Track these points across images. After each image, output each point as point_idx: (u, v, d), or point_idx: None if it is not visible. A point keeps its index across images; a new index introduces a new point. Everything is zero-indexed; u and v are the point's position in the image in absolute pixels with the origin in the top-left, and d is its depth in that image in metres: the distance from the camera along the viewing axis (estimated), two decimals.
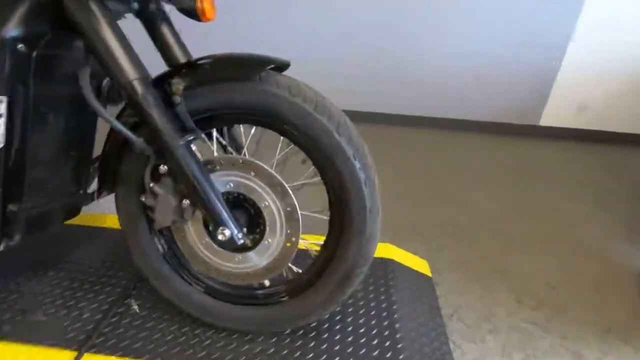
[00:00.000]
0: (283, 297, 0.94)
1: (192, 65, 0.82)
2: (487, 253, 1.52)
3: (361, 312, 1.07)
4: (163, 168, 0.79)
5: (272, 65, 0.79)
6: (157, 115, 0.73)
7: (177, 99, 0.76)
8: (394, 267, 1.26)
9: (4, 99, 0.75)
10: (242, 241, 0.81)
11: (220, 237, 0.78)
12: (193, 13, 0.90)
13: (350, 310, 1.07)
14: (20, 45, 0.73)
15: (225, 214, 0.79)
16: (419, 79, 2.71)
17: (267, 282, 0.95)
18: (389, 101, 2.80)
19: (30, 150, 0.82)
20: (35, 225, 0.91)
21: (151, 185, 0.78)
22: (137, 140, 0.76)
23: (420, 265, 1.35)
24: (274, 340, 0.96)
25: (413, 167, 2.21)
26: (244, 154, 0.93)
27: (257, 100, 0.77)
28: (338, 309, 1.03)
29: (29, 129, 0.80)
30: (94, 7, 0.72)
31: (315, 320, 0.96)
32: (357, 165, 0.78)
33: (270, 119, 0.79)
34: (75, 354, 0.90)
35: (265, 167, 0.80)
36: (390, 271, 1.23)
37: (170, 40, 0.91)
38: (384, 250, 1.32)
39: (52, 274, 1.12)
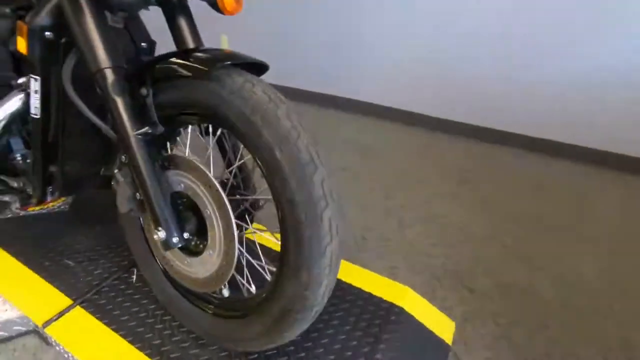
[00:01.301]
0: (222, 312, 0.88)
1: (166, 58, 0.81)
2: (558, 340, 1.12)
3: (332, 357, 0.92)
4: (124, 157, 0.81)
5: (228, 63, 0.71)
6: (120, 105, 0.75)
7: (144, 91, 0.76)
8: (401, 318, 1.04)
9: (38, 78, 0.89)
10: (176, 245, 0.78)
11: (155, 236, 0.77)
12: (215, 5, 0.90)
13: (320, 351, 0.93)
14: (48, 34, 0.84)
15: (163, 214, 0.76)
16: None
17: (226, 293, 0.90)
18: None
19: (63, 122, 0.95)
20: (70, 186, 1.06)
21: (115, 171, 0.82)
22: (104, 127, 0.80)
23: (441, 325, 1.08)
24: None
25: (516, 197, 1.80)
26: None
27: (202, 99, 0.71)
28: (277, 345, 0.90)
29: (61, 104, 0.93)
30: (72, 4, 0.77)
31: (249, 350, 0.87)
32: (295, 190, 0.65)
33: (217, 121, 0.72)
34: (70, 302, 1.03)
35: (206, 172, 0.75)
36: (393, 321, 1.02)
37: (185, 30, 0.92)
38: (399, 293, 1.11)
39: (89, 230, 1.31)
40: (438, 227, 1.54)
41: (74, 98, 0.81)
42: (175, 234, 0.77)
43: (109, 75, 0.76)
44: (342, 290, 1.11)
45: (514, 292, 1.26)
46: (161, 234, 0.76)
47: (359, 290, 1.11)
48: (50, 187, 1.04)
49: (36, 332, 1.01)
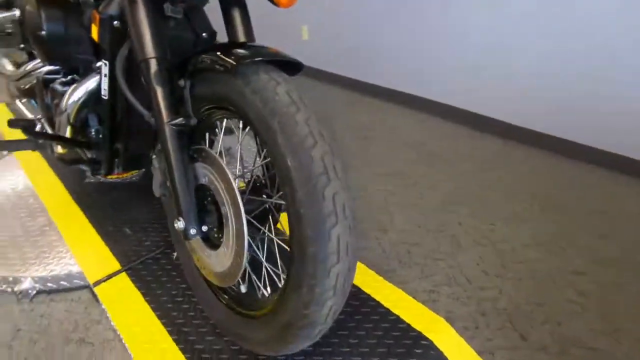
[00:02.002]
0: (235, 307, 0.88)
1: (206, 51, 0.81)
2: None
3: None
4: (159, 145, 0.84)
5: (257, 59, 0.68)
6: (159, 94, 0.78)
7: (182, 82, 0.78)
8: (428, 353, 0.93)
9: (107, 63, 0.97)
10: (193, 236, 0.78)
11: (175, 225, 0.78)
12: None
13: None
14: (116, 22, 0.91)
15: (185, 204, 0.78)
16: None
17: (243, 289, 0.90)
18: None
19: (127, 104, 1.04)
20: (132, 162, 1.17)
21: (153, 157, 0.86)
22: (146, 114, 0.83)
23: None
24: None
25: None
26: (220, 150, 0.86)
27: (228, 95, 0.70)
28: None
29: (126, 87, 1.01)
30: None
31: (254, 351, 0.86)
32: (303, 202, 0.60)
33: (241, 118, 0.70)
34: (119, 268, 1.14)
35: (224, 168, 0.73)
36: (418, 355, 0.92)
37: (238, 25, 0.92)
38: (431, 323, 1.00)
39: (152, 202, 1.42)
40: (498, 254, 1.35)
41: (122, 83, 0.86)
42: (194, 226, 0.78)
43: (152, 65, 0.79)
44: (368, 306, 1.04)
45: (578, 353, 1.04)
46: (180, 224, 0.78)
47: (387, 310, 1.03)
48: (116, 161, 1.15)
49: (89, 289, 1.14)
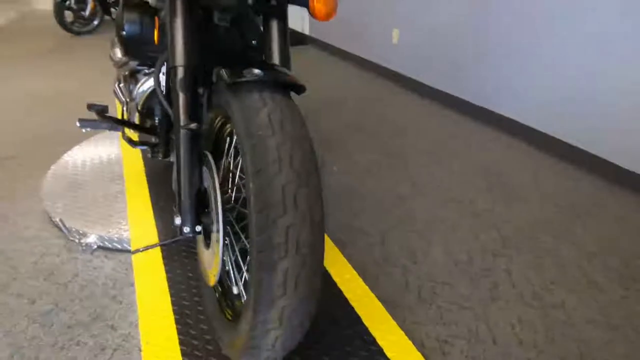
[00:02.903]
0: (222, 303, 0.92)
1: (227, 64, 0.83)
2: None
3: None
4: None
5: (252, 79, 0.68)
6: (180, 99, 0.84)
7: (200, 90, 0.83)
8: None
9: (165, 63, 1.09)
10: (186, 234, 0.83)
11: (174, 220, 0.84)
12: (310, 10, 0.89)
13: None
14: None
15: (184, 203, 0.83)
16: None
17: (235, 290, 0.93)
18: None
19: None
20: None
21: (172, 154, 0.94)
22: (172, 114, 0.91)
23: None
24: None
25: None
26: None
27: (225, 109, 0.72)
28: None
29: (160, 89, 1.11)
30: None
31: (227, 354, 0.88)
32: (255, 228, 0.59)
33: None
34: (155, 242, 1.29)
35: (215, 176, 0.75)
36: None
37: (274, 44, 0.94)
38: None
39: None
40: (545, 322, 1.13)
41: (156, 85, 0.95)
42: (188, 225, 0.84)
43: (179, 72, 0.85)
44: (367, 350, 0.97)
45: None
46: (177, 220, 0.84)
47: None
48: (169, 147, 1.29)
49: (131, 255, 1.32)
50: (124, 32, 1.16)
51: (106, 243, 1.36)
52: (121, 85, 1.64)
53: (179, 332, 1.01)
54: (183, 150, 0.84)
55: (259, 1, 0.94)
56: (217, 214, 0.78)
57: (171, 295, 1.11)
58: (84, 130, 1.27)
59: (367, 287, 1.22)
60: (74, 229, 1.38)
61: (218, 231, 0.78)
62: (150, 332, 1.03)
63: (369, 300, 1.16)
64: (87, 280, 1.26)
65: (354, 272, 1.28)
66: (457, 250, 1.42)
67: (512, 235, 1.49)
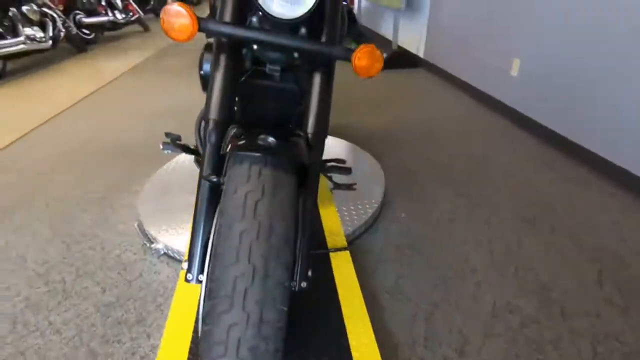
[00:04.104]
0: None
1: (246, 125, 0.83)
2: None
3: None
4: None
5: (249, 153, 0.67)
6: (206, 150, 0.88)
7: (223, 147, 0.85)
8: None
9: None
10: (189, 281, 0.86)
11: (182, 265, 0.88)
12: (352, 66, 0.87)
13: None
14: None
15: (192, 251, 0.86)
16: None
17: None
18: None
19: None
20: None
21: None
22: (195, 160, 0.95)
23: None
24: None
25: None
26: None
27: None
28: None
29: (198, 140, 1.19)
30: (217, 50, 0.90)
31: None
32: (205, 314, 0.58)
33: None
34: None
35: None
36: None
37: (310, 112, 0.92)
38: None
39: None
40: None
41: (196, 130, 1.02)
42: (192, 272, 0.87)
43: (210, 125, 0.89)
44: None
45: None
46: (184, 265, 0.88)
47: None
48: None
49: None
50: (202, 71, 1.29)
51: (169, 252, 1.53)
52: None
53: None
54: (200, 200, 0.88)
55: (305, 56, 0.92)
56: None
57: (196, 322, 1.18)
58: (165, 152, 1.45)
59: None
60: (148, 233, 1.59)
61: None
62: (165, 352, 1.11)
63: None
64: (146, 282, 1.44)
65: None
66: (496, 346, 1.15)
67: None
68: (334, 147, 2.35)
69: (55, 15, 4.70)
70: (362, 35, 2.30)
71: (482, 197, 1.94)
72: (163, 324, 1.26)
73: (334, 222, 1.63)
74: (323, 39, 0.96)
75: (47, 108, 3.35)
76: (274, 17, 0.86)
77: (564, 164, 2.23)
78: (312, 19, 0.90)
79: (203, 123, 0.92)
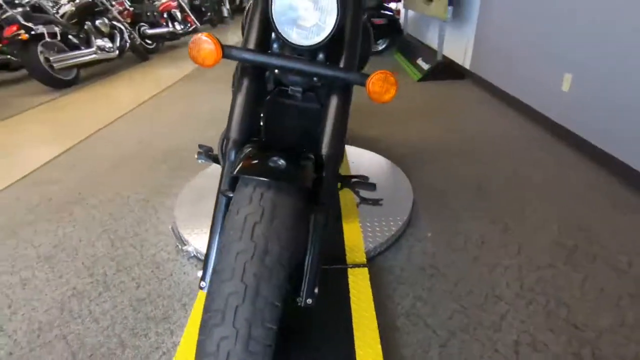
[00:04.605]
0: None
1: (257, 145, 0.88)
2: None
3: None
4: None
5: (254, 177, 0.71)
6: (225, 167, 0.94)
7: (234, 168, 0.91)
8: None
9: None
10: (201, 288, 0.92)
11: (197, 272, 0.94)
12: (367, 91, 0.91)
13: None
14: None
15: (206, 262, 0.92)
16: None
17: None
18: None
19: None
20: None
21: None
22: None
23: None
24: None
25: None
26: None
27: None
28: None
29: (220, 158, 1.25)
30: (240, 74, 0.96)
31: None
32: (200, 328, 0.62)
33: None
34: None
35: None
36: None
37: (325, 136, 0.96)
38: None
39: None
40: None
41: (219, 145, 1.08)
42: (204, 282, 0.93)
43: (230, 144, 0.96)
44: None
45: None
46: (199, 273, 0.94)
47: None
48: None
49: None
50: (233, 87, 1.37)
51: (198, 255, 1.63)
52: None
53: None
54: (216, 213, 0.94)
55: (323, 79, 0.96)
56: None
57: None
58: (199, 162, 1.55)
59: None
60: (181, 235, 1.71)
61: None
62: (183, 351, 1.19)
63: None
64: (176, 282, 1.54)
65: None
66: None
67: None
68: (363, 159, 2.36)
69: (123, 27, 5.17)
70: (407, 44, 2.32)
71: (518, 220, 1.84)
72: (186, 322, 1.35)
73: (356, 237, 1.63)
74: (342, 64, 0.98)
75: (111, 111, 3.69)
76: (293, 44, 0.90)
77: (615, 188, 2.05)
78: (332, 44, 0.94)
79: (225, 140, 0.99)
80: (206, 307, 0.64)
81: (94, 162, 2.62)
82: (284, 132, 1.18)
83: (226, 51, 0.89)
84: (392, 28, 5.16)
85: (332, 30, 0.88)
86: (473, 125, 3.04)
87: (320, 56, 0.98)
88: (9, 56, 4.37)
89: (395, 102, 3.60)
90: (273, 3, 0.87)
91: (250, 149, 0.88)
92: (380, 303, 1.39)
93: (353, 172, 2.18)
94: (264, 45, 1.00)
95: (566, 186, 2.11)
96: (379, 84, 0.88)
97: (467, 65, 4.12)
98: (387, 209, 1.82)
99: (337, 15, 0.87)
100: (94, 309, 1.43)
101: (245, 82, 0.98)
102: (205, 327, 0.62)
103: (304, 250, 0.92)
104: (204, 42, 0.86)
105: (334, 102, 0.98)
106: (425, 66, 4.34)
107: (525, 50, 3.00)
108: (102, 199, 2.16)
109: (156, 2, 6.79)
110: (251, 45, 0.98)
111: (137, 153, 2.74)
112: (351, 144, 2.58)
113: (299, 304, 0.93)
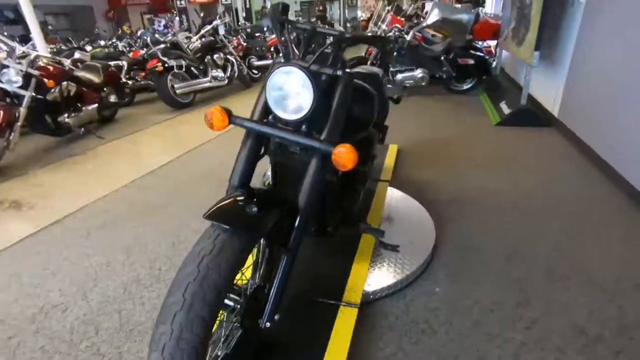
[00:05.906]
0: None
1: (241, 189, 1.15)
2: None
3: None
4: None
5: (222, 224, 0.98)
6: None
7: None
8: None
9: None
10: None
11: None
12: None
13: None
14: None
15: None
16: None
17: None
18: None
19: None
20: None
21: None
22: None
23: None
24: None
25: None
26: None
27: None
28: None
29: None
30: (245, 134, 1.22)
31: None
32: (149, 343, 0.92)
33: None
34: None
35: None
36: None
37: (306, 184, 1.19)
38: None
39: None
40: None
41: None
42: None
43: (229, 188, 1.23)
44: None
45: None
46: None
47: None
48: None
49: None
50: None
51: None
52: None
53: None
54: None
55: (301, 147, 1.19)
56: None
57: None
58: None
59: None
60: None
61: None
62: None
63: None
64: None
65: None
66: None
67: None
68: (395, 200, 2.42)
69: (234, 60, 6.10)
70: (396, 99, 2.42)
71: (544, 295, 1.71)
72: None
73: (360, 278, 1.75)
74: (323, 135, 1.19)
75: (209, 133, 4.43)
76: (282, 119, 1.16)
77: None
78: (315, 117, 1.16)
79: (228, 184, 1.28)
80: (160, 307, 0.91)
81: (180, 177, 3.23)
82: (285, 181, 1.42)
83: (232, 119, 1.19)
84: (479, 68, 5.02)
85: (308, 111, 1.11)
86: (542, 181, 2.75)
87: (304, 127, 1.21)
88: (150, 82, 5.58)
89: (464, 146, 3.53)
90: (268, 87, 1.14)
91: (230, 195, 1.14)
92: (363, 344, 1.49)
93: (385, 208, 2.29)
94: (266, 114, 1.27)
95: (622, 278, 1.86)
96: (341, 157, 1.06)
97: (555, 113, 3.80)
98: (402, 255, 1.88)
99: (313, 100, 1.09)
100: (144, 294, 1.85)
101: (248, 142, 1.26)
102: (156, 321, 0.90)
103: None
104: (215, 112, 1.17)
105: (313, 163, 1.19)
106: (507, 110, 4.13)
107: (620, 104, 2.64)
108: (177, 207, 2.68)
109: (267, 38, 7.79)
110: (255, 115, 1.27)
111: (210, 175, 3.28)
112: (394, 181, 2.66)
113: (260, 325, 1.15)
